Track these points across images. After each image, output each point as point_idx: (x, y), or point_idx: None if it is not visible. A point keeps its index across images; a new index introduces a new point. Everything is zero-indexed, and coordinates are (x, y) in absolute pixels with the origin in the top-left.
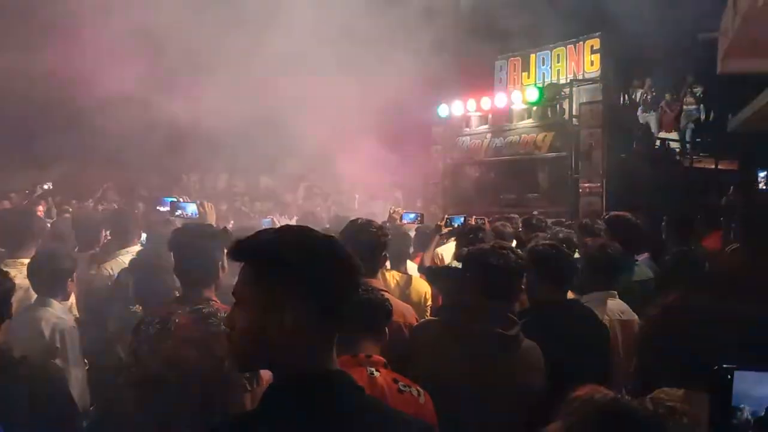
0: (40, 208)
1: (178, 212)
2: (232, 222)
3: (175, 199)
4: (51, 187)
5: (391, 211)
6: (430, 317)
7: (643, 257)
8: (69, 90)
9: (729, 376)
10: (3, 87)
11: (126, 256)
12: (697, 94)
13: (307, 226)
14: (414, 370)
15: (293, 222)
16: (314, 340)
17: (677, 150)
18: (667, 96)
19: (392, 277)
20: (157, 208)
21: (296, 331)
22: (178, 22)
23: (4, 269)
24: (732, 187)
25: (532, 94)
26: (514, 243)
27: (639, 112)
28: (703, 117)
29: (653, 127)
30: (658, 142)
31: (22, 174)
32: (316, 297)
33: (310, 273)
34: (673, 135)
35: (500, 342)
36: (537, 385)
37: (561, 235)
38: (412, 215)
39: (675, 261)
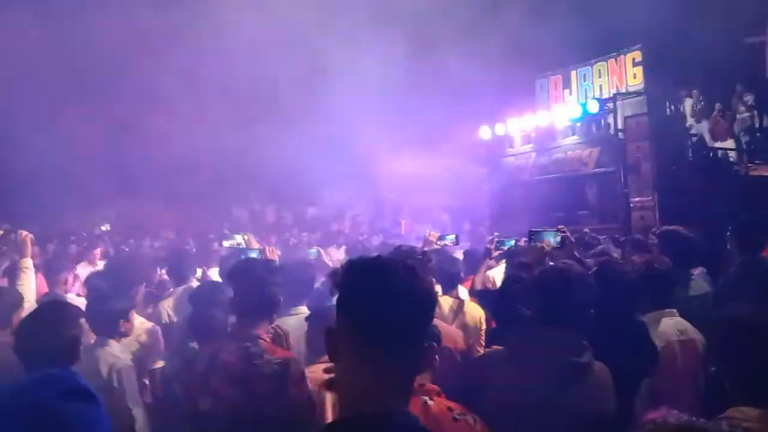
0: (97, 251)
1: (227, 242)
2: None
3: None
4: (109, 228)
5: (427, 235)
6: (494, 347)
7: (698, 271)
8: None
9: None
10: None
11: (182, 294)
12: (748, 102)
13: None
14: (483, 401)
15: (341, 252)
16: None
17: (732, 159)
18: (718, 105)
19: (445, 302)
20: (224, 243)
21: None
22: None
23: None
24: None
25: (575, 111)
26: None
27: (690, 122)
28: (757, 124)
29: (706, 137)
30: (711, 152)
31: (78, 215)
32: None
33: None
34: (728, 144)
35: (573, 370)
36: (609, 408)
37: (600, 247)
38: (450, 237)
39: (741, 271)
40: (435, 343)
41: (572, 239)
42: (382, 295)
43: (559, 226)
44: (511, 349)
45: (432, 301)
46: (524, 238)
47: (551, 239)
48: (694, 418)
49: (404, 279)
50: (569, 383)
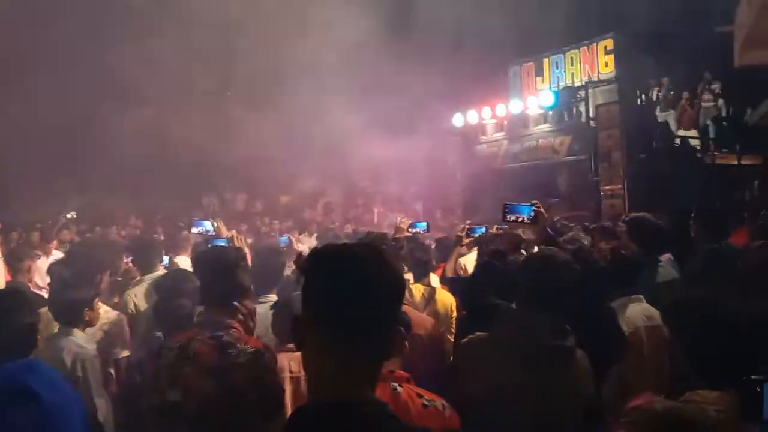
0: (53, 243)
1: (196, 229)
2: (249, 241)
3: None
4: (75, 215)
5: (398, 222)
6: (479, 333)
7: (665, 258)
8: (89, 118)
9: (758, 388)
10: (24, 119)
11: (149, 282)
12: (715, 90)
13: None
14: (464, 388)
15: (313, 239)
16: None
17: (698, 147)
18: (686, 94)
19: (417, 290)
20: (193, 230)
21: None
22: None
23: None
24: (756, 182)
25: (548, 98)
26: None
27: (657, 111)
28: (724, 113)
29: (672, 126)
30: (678, 141)
31: (45, 204)
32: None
33: None
34: (693, 132)
35: (559, 354)
36: (590, 392)
37: (570, 234)
38: (421, 224)
39: (707, 258)
40: (404, 329)
41: (545, 214)
42: (345, 283)
43: (534, 201)
44: (495, 334)
45: (398, 287)
46: (495, 226)
47: (525, 213)
48: (680, 404)
49: (369, 266)
50: (553, 367)
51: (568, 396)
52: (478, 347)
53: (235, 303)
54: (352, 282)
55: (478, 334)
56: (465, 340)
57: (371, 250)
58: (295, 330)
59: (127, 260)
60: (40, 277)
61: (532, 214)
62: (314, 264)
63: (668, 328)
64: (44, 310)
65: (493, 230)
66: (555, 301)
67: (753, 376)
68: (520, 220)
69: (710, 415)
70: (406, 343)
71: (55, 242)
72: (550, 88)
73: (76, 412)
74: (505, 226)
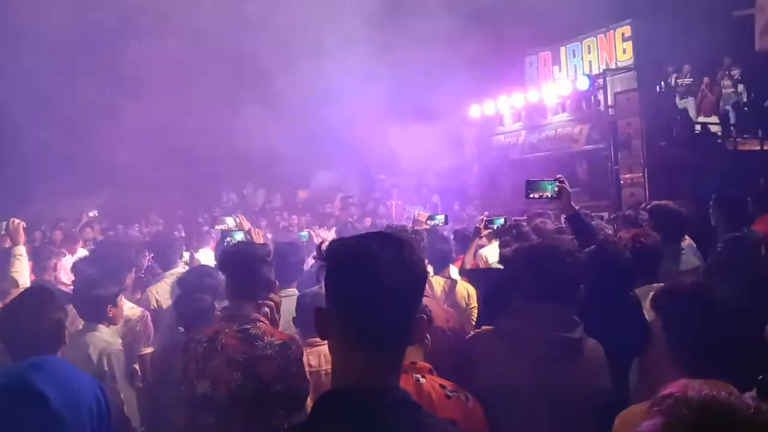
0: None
1: (220, 226)
2: (270, 236)
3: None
4: (97, 214)
5: (416, 215)
6: (485, 327)
7: (686, 243)
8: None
9: None
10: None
11: (170, 278)
12: (735, 76)
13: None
14: (474, 381)
15: (332, 233)
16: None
17: (719, 134)
18: (706, 79)
19: (437, 283)
20: (216, 227)
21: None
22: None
23: None
24: None
25: (583, 83)
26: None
27: (677, 99)
28: (745, 98)
29: (692, 113)
30: (698, 127)
31: (66, 203)
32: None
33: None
34: (713, 119)
35: (565, 346)
36: (603, 384)
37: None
38: (439, 216)
39: (730, 247)
40: (426, 323)
41: (569, 189)
42: (365, 277)
43: (558, 176)
44: (500, 327)
45: (420, 275)
46: (514, 217)
47: (548, 189)
48: (715, 392)
49: (389, 258)
50: (561, 360)
51: (576, 389)
52: (484, 341)
53: (262, 301)
54: (372, 276)
55: (484, 327)
56: (471, 334)
57: (392, 241)
58: (318, 322)
59: (149, 257)
60: (66, 275)
61: (556, 189)
62: (334, 257)
63: (656, 317)
64: (70, 306)
65: (511, 221)
66: (559, 292)
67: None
68: (543, 196)
69: (747, 403)
70: (428, 335)
71: (81, 241)
72: (567, 76)
73: (85, 411)
74: (526, 216)
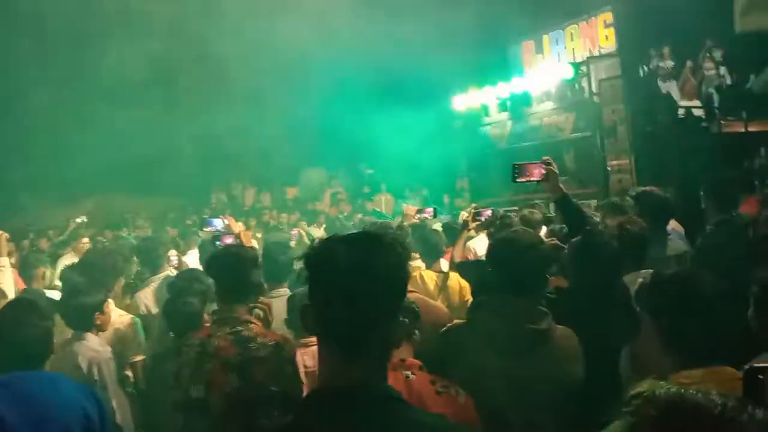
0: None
1: (208, 228)
2: (259, 236)
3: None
4: (86, 219)
5: (405, 209)
6: (456, 321)
7: (673, 230)
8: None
9: (760, 376)
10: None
11: (157, 283)
12: (716, 58)
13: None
14: (447, 376)
15: (321, 230)
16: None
17: (703, 117)
18: (690, 63)
19: (430, 278)
20: (204, 228)
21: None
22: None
23: None
24: (764, 149)
25: (567, 72)
26: (543, 229)
27: (659, 82)
28: (728, 81)
29: (676, 96)
30: (682, 111)
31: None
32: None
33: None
34: (696, 102)
35: (531, 338)
36: (574, 373)
37: None
38: (428, 209)
39: (719, 231)
40: (411, 318)
41: (556, 171)
42: (341, 281)
43: (544, 158)
44: (470, 321)
45: (399, 275)
46: (503, 209)
47: (535, 171)
48: (682, 389)
49: (365, 261)
50: (528, 352)
51: (549, 380)
52: (454, 336)
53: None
54: (347, 279)
55: (456, 322)
56: (444, 329)
57: (369, 243)
58: (305, 318)
59: (136, 261)
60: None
61: (543, 170)
62: (305, 261)
63: (642, 310)
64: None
65: (501, 212)
66: (524, 285)
67: (754, 365)
68: (531, 179)
69: (715, 400)
70: (417, 332)
71: (86, 239)
72: (551, 65)
73: (59, 428)
74: (516, 208)
